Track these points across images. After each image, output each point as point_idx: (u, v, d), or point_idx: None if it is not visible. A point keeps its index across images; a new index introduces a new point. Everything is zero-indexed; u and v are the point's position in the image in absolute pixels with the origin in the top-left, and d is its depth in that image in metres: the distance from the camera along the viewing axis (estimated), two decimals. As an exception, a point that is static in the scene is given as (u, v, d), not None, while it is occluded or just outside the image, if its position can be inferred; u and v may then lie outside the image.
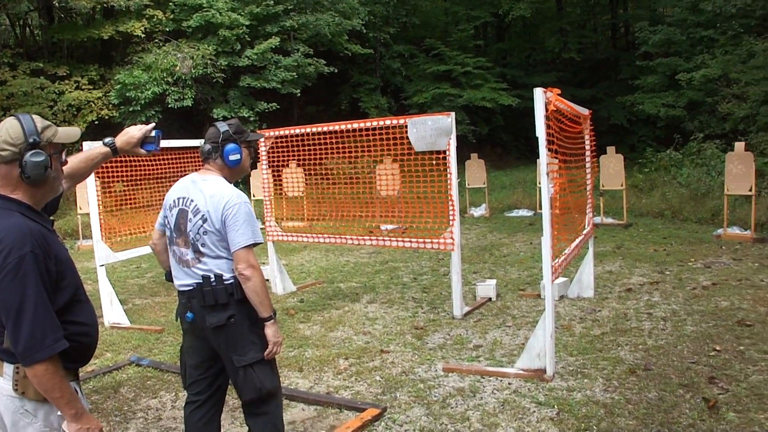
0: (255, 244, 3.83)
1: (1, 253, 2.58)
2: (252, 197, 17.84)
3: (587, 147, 8.75)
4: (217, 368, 4.10)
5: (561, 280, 8.77)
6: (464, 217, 17.59)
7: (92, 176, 8.13)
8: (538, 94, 5.76)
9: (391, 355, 6.84)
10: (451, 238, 7.97)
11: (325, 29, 23.44)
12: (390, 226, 13.54)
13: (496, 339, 7.23)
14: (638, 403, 5.30)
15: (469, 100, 27.29)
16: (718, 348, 6.51)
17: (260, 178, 10.10)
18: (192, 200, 3.90)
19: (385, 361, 6.66)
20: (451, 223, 8.03)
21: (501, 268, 11.10)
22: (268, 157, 9.81)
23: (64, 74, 20.97)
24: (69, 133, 2.87)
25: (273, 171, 10.20)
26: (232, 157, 3.97)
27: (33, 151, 2.67)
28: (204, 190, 3.88)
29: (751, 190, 12.70)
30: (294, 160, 10.15)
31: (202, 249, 3.86)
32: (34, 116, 2.76)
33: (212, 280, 3.84)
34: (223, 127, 4.01)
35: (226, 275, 3.85)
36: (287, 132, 9.42)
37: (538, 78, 29.55)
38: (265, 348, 3.91)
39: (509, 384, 5.87)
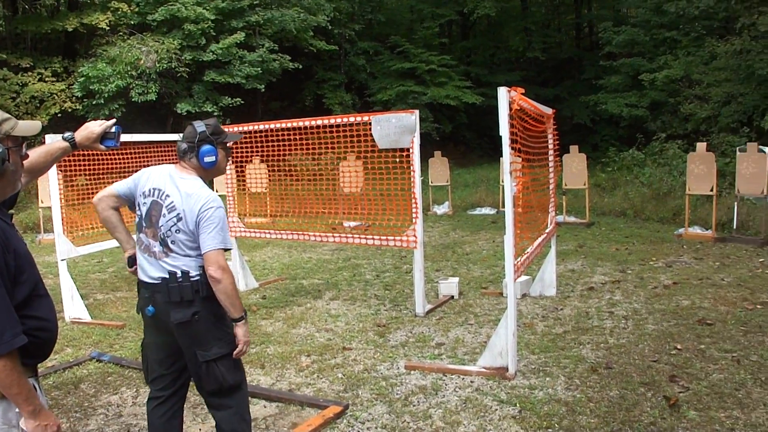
0: (225, 250, 3.81)
1: None
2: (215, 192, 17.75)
3: (550, 146, 8.77)
4: (181, 364, 4.07)
5: (523, 278, 8.79)
6: (427, 215, 17.62)
7: (54, 169, 8.06)
8: (502, 93, 5.74)
9: (354, 353, 6.81)
10: (414, 235, 7.95)
11: (291, 25, 23.40)
12: (353, 223, 13.53)
13: (459, 337, 7.22)
14: (600, 401, 5.32)
15: (433, 98, 27.39)
16: (679, 347, 6.55)
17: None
18: (168, 195, 3.87)
19: (347, 359, 6.64)
20: (414, 220, 8.01)
21: (463, 266, 11.11)
22: (232, 153, 9.75)
23: (28, 66, 20.76)
24: (29, 126, 2.79)
25: (236, 167, 10.13)
26: (207, 159, 3.95)
27: None
28: (181, 188, 3.87)
29: (712, 190, 12.84)
30: (257, 155, 10.08)
31: (171, 245, 3.84)
32: None
33: (179, 276, 3.81)
34: (200, 127, 3.98)
35: (193, 272, 3.83)
36: (251, 128, 9.34)
37: (502, 77, 29.72)
38: (230, 343, 3.90)
39: (471, 382, 5.86)
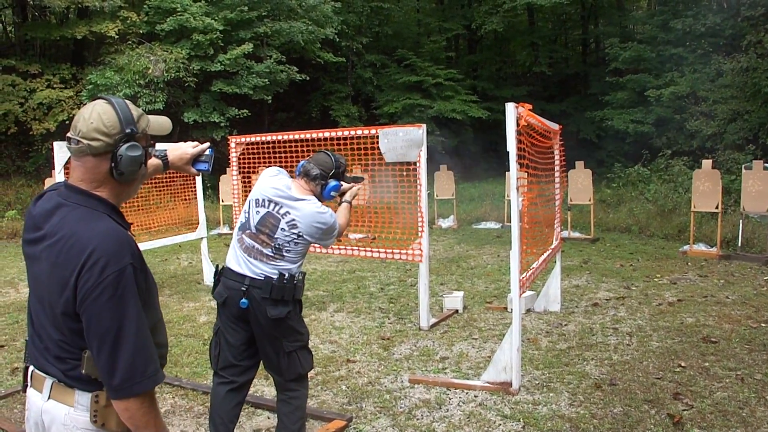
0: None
1: (95, 264, 2.16)
2: (221, 202, 17.83)
3: (557, 162, 8.77)
4: (250, 352, 4.55)
5: (528, 293, 8.78)
6: (432, 229, 17.58)
7: (62, 172, 8.04)
8: (510, 108, 5.74)
9: (358, 365, 6.82)
10: (420, 249, 7.95)
11: (298, 37, 23.41)
12: (358, 236, 13.53)
13: (463, 351, 7.22)
14: (603, 417, 5.32)
15: (440, 112, 27.35)
16: (683, 364, 6.55)
17: (230, 183, 10.04)
18: (288, 213, 4.37)
19: (351, 371, 6.64)
20: (419, 234, 8.02)
21: (468, 280, 11.12)
22: (239, 163, 9.78)
23: (36, 72, 20.87)
24: (161, 123, 2.61)
25: (243, 177, 10.15)
26: (332, 193, 4.59)
27: (129, 144, 2.31)
28: (304, 210, 4.37)
29: (717, 208, 12.83)
30: (264, 166, 10.10)
31: (285, 254, 4.36)
32: (126, 100, 2.41)
33: (286, 278, 4.31)
34: (338, 161, 4.55)
35: (297, 277, 4.38)
36: (258, 139, 9.40)
37: (509, 91, 29.73)
38: (305, 336, 4.55)
39: (475, 396, 5.87)
